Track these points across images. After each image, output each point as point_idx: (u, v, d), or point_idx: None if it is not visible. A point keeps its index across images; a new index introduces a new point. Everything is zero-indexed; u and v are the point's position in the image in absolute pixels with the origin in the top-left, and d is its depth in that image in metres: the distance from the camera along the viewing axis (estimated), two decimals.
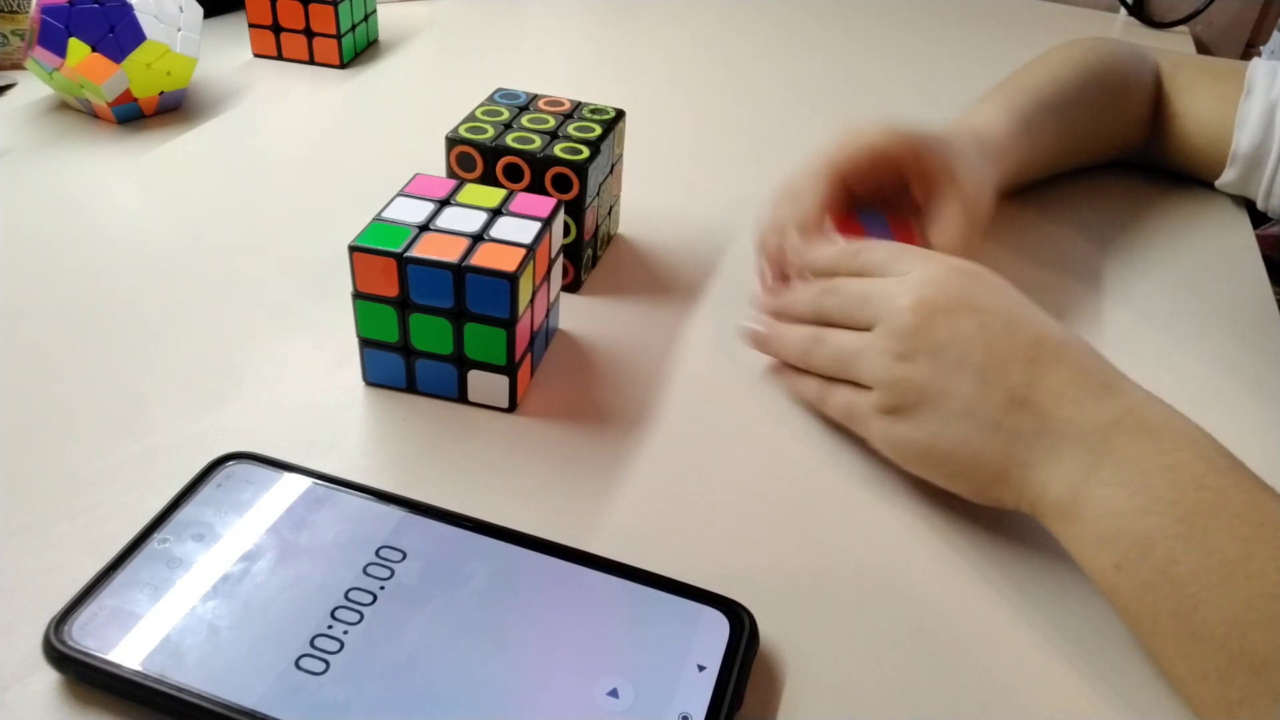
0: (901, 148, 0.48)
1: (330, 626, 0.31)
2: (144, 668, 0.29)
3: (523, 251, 0.40)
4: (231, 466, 0.36)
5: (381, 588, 0.32)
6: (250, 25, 0.74)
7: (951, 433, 0.36)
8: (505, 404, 0.42)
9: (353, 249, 0.39)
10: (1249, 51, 1.00)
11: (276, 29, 0.74)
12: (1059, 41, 0.64)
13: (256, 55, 0.75)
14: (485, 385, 0.42)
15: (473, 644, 0.31)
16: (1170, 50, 0.65)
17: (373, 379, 0.43)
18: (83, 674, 0.29)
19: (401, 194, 0.43)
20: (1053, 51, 0.63)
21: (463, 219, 0.42)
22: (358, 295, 0.41)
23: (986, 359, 0.36)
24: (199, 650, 0.29)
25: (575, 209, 0.48)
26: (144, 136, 0.63)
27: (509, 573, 0.33)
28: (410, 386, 0.43)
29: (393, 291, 0.40)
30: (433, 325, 0.40)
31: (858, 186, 0.48)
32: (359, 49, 0.77)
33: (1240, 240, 0.61)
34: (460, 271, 0.39)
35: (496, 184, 0.48)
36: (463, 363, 0.41)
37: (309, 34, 0.73)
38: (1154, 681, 0.33)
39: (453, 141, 0.48)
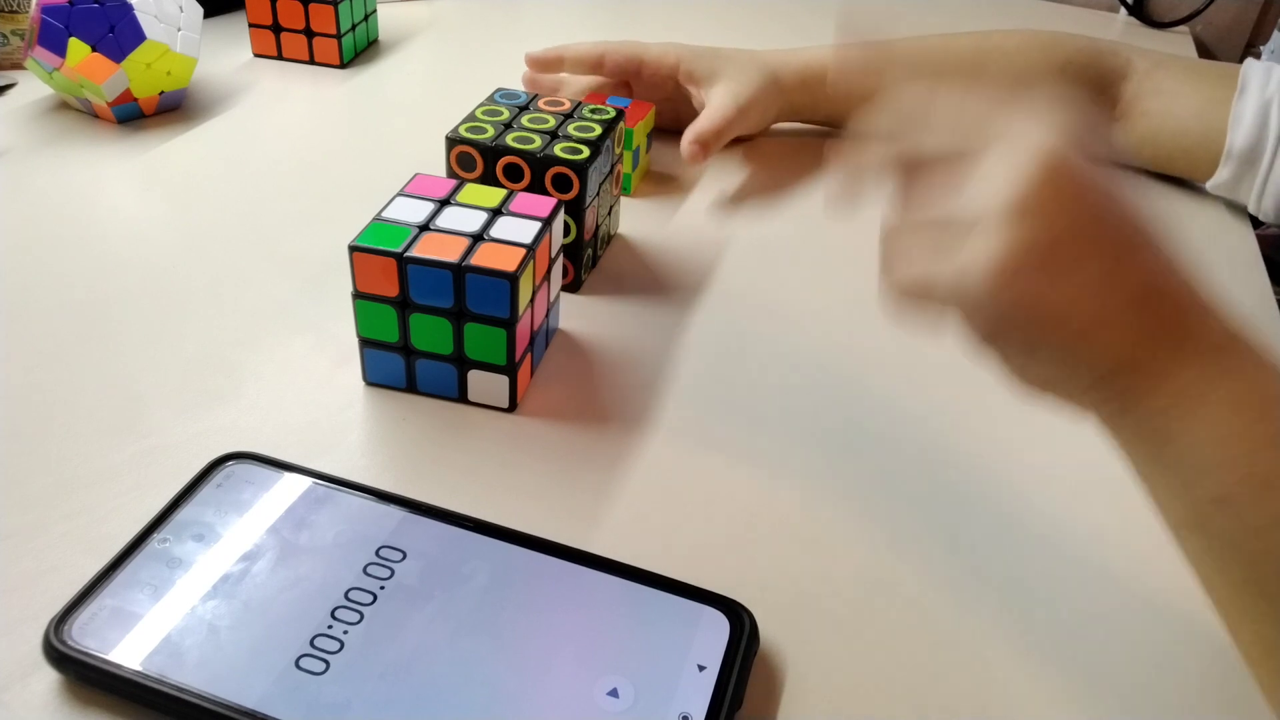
0: (672, 57, 0.63)
1: (330, 626, 0.31)
2: (144, 668, 0.29)
3: (523, 251, 0.40)
4: (231, 466, 0.36)
5: (381, 588, 0.32)
6: (250, 25, 0.74)
7: (1077, 295, 0.29)
8: (505, 404, 0.42)
9: (353, 249, 0.39)
10: (1249, 51, 1.00)
11: (276, 29, 0.74)
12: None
13: (256, 55, 0.75)
14: (485, 385, 0.42)
15: (473, 644, 0.31)
16: (1153, 50, 0.64)
17: (373, 379, 0.43)
18: (83, 674, 0.29)
19: (401, 194, 0.43)
20: (1001, 32, 0.62)
21: (463, 219, 0.41)
22: (358, 295, 0.41)
23: (1122, 236, 0.31)
24: (199, 650, 0.29)
25: (575, 209, 0.48)
26: (144, 136, 0.63)
27: (509, 573, 0.33)
28: (410, 386, 0.43)
29: (393, 291, 0.40)
30: (433, 325, 0.40)
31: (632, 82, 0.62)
32: (359, 49, 0.77)
33: (1240, 240, 0.60)
34: (460, 271, 0.39)
35: (496, 184, 0.48)
36: (463, 362, 0.41)
37: (309, 34, 0.73)
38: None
39: (453, 141, 0.48)
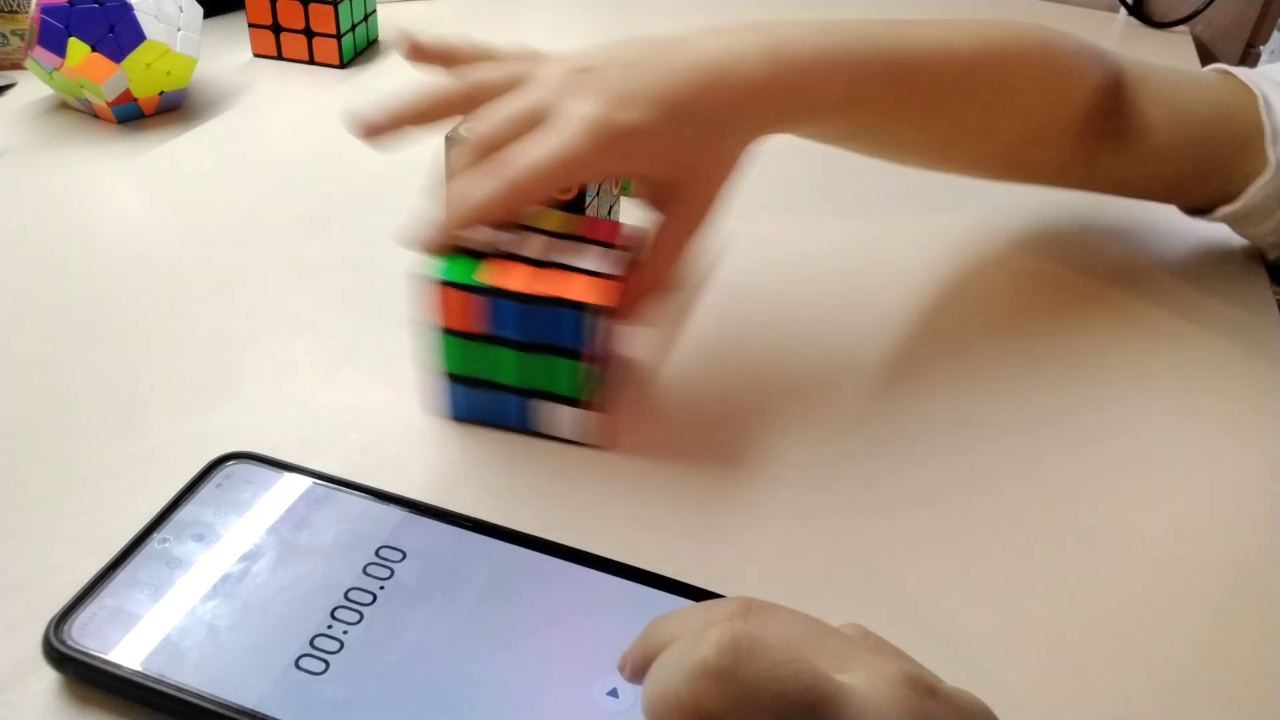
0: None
1: (330, 626, 0.31)
2: (144, 668, 0.29)
3: (607, 282, 0.38)
4: (231, 466, 0.36)
5: (381, 588, 0.32)
6: (250, 25, 0.74)
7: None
8: (586, 437, 0.40)
9: (438, 284, 0.38)
10: (1249, 51, 1.00)
11: (276, 29, 0.74)
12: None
13: (256, 55, 0.75)
14: (563, 418, 0.40)
15: (473, 644, 0.31)
16: (1139, 59, 0.54)
17: (452, 412, 0.41)
18: (82, 674, 0.29)
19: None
20: (961, 21, 0.47)
21: (539, 246, 0.39)
22: (441, 330, 0.39)
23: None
24: (199, 650, 0.29)
25: (575, 209, 0.48)
26: (144, 136, 0.63)
27: (509, 573, 0.33)
28: (491, 420, 0.41)
29: (471, 325, 0.38)
30: (509, 358, 0.39)
31: None
32: (359, 49, 0.77)
33: (1240, 240, 0.61)
34: (540, 304, 0.37)
35: None
36: (540, 395, 0.40)
37: (309, 34, 0.73)
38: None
39: (452, 141, 0.48)
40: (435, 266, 0.38)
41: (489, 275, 0.38)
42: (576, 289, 0.37)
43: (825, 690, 0.21)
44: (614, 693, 0.29)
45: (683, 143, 0.40)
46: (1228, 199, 0.53)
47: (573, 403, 0.40)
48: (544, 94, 0.40)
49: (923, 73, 0.45)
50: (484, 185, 0.38)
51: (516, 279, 0.38)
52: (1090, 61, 0.50)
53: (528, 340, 0.38)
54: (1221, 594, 0.37)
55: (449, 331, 0.39)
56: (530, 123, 0.39)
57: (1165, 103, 0.52)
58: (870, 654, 0.23)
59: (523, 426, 0.41)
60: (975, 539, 0.38)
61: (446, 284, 0.38)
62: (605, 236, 0.41)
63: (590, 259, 0.39)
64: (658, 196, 0.41)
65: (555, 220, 0.42)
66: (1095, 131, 0.51)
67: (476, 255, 0.39)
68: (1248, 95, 0.52)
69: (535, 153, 0.38)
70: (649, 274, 0.41)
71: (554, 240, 0.40)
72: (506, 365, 0.39)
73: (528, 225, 0.41)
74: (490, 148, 0.39)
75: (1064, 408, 0.45)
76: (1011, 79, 0.48)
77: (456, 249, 0.39)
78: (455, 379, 0.40)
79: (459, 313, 0.38)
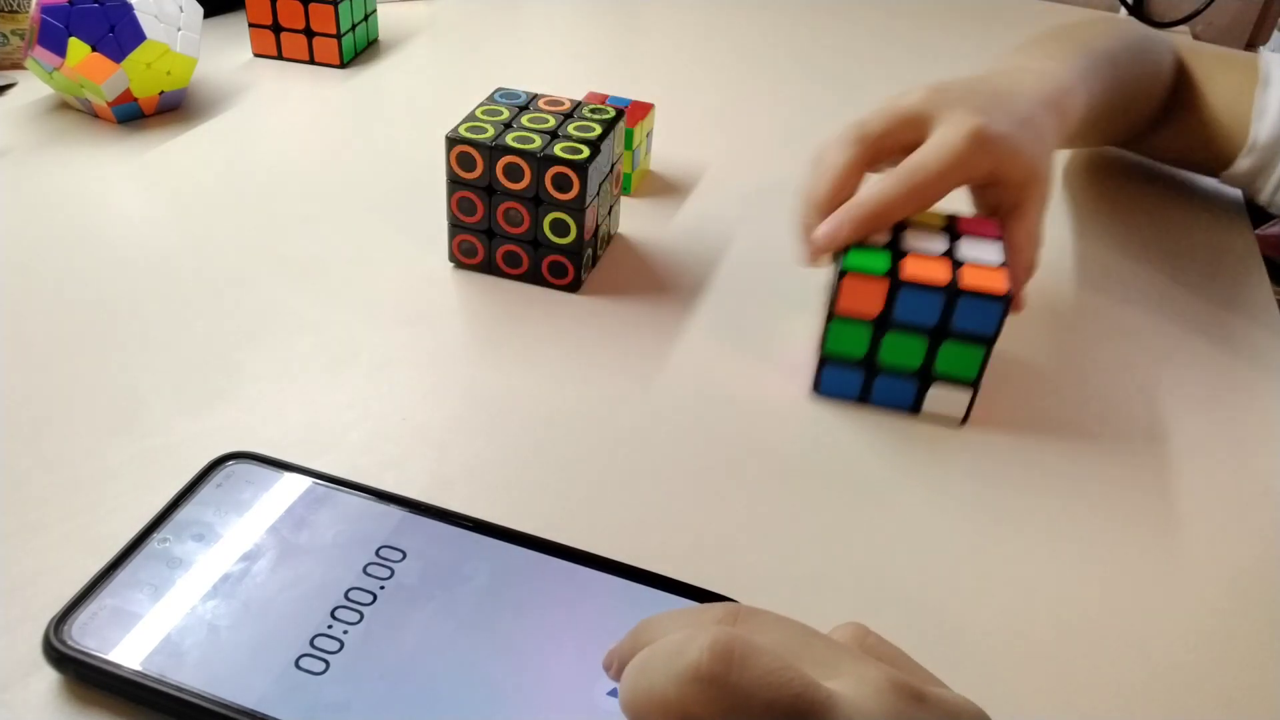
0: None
1: (330, 626, 0.31)
2: (144, 667, 0.29)
3: (1005, 272, 0.41)
4: (231, 466, 0.36)
5: (381, 587, 0.32)
6: (250, 25, 0.74)
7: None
8: (960, 416, 0.43)
9: (844, 272, 0.41)
10: (1249, 51, 1.00)
11: (276, 29, 0.74)
12: None
13: (256, 55, 0.75)
14: (944, 399, 0.43)
15: (473, 644, 0.31)
16: (1182, 37, 0.64)
17: (825, 391, 0.44)
18: (83, 674, 0.29)
19: None
20: (1078, 21, 0.61)
21: (929, 241, 0.43)
22: (835, 315, 0.42)
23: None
24: (199, 650, 0.29)
25: (575, 209, 0.48)
26: (144, 136, 0.63)
27: (509, 573, 0.33)
28: (863, 398, 0.44)
29: (875, 312, 0.41)
30: (907, 343, 0.42)
31: (897, 154, 0.46)
32: (359, 49, 0.77)
33: (1240, 240, 0.61)
34: (953, 293, 0.40)
35: (497, 183, 0.48)
36: (927, 378, 0.43)
37: (309, 34, 0.73)
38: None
39: (453, 141, 0.48)
40: (845, 258, 0.41)
41: (906, 267, 0.41)
42: (991, 280, 0.40)
43: (815, 698, 0.21)
44: (614, 693, 0.29)
45: (1033, 150, 0.46)
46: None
47: (965, 385, 0.42)
48: (920, 102, 0.46)
49: (1124, 79, 0.57)
50: (890, 188, 0.43)
51: (933, 271, 0.40)
52: (1163, 39, 0.62)
53: (938, 327, 0.41)
54: (1222, 594, 0.37)
55: (850, 318, 0.42)
56: (912, 125, 0.45)
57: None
58: (857, 661, 0.23)
59: (909, 407, 0.44)
60: (976, 538, 0.38)
61: (861, 274, 0.40)
62: (987, 232, 0.44)
63: (987, 252, 0.42)
64: (1002, 200, 0.46)
65: (934, 219, 0.45)
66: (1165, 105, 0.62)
67: (879, 248, 0.42)
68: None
69: (927, 155, 0.43)
70: (1023, 263, 0.46)
71: (941, 236, 0.43)
72: (908, 350, 0.42)
73: (911, 223, 0.44)
74: (873, 141, 0.45)
75: (1064, 407, 0.45)
76: (1148, 66, 0.60)
77: (858, 245, 0.42)
78: (846, 363, 0.43)
79: (866, 300, 0.41)
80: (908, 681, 0.23)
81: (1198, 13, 0.96)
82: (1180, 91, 0.62)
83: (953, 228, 0.44)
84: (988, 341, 0.41)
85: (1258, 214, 0.63)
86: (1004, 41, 0.58)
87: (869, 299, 0.41)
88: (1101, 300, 0.54)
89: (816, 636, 0.24)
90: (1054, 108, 0.49)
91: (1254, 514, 0.41)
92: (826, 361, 0.43)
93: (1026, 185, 0.45)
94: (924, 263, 0.41)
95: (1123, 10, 1.00)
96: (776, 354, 0.47)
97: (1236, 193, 0.65)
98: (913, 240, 0.43)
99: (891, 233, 0.43)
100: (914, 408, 0.44)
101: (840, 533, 0.38)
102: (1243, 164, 0.60)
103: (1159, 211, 0.61)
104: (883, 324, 0.42)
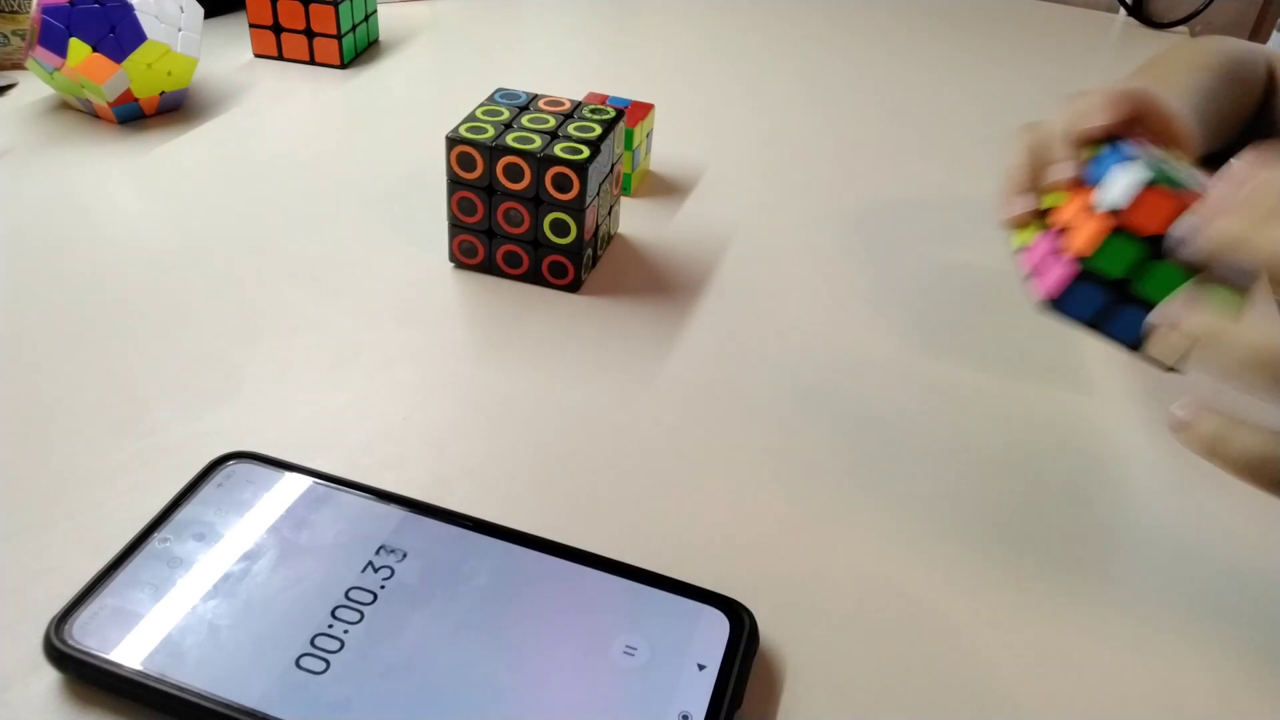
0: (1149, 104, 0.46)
1: (331, 626, 0.31)
2: (145, 667, 0.29)
3: None
4: (232, 466, 0.36)
5: (382, 587, 0.32)
6: (251, 25, 0.74)
7: None
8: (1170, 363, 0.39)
9: (1152, 182, 0.37)
10: None
11: (277, 29, 0.74)
12: (1058, 41, 0.64)
13: (257, 55, 0.75)
14: (1169, 344, 0.38)
15: (473, 643, 0.31)
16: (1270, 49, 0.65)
17: (1064, 305, 0.40)
18: (83, 673, 0.29)
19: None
20: (1184, 44, 0.62)
21: (1187, 174, 0.40)
22: (1120, 228, 0.38)
23: None
24: (199, 650, 0.30)
25: (575, 209, 0.48)
26: (145, 136, 0.63)
27: (509, 572, 0.33)
28: (1094, 323, 0.40)
29: (1161, 230, 0.37)
30: (1170, 274, 0.38)
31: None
32: (359, 49, 0.77)
33: None
34: None
35: (497, 183, 0.48)
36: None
37: (309, 34, 0.73)
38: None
39: (453, 141, 0.48)
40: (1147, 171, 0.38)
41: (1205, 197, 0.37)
42: None
43: None
44: (614, 693, 0.29)
45: None
46: None
47: None
48: None
49: (1243, 96, 0.60)
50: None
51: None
52: (1260, 54, 0.64)
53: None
54: (1223, 595, 0.37)
55: (1131, 234, 0.38)
56: None
57: None
58: None
59: (1130, 343, 0.40)
60: (976, 539, 0.38)
61: (1164, 189, 0.37)
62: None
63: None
64: None
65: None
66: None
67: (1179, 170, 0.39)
68: None
69: None
70: None
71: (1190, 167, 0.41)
72: (1167, 281, 0.38)
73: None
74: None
75: (1064, 407, 0.45)
76: (1246, 82, 0.62)
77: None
78: (1100, 282, 0.39)
79: (1157, 217, 0.37)
80: None
81: (1197, 13, 0.96)
82: (1273, 99, 0.62)
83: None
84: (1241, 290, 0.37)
85: None
86: (1003, 42, 0.58)
87: (1160, 216, 0.37)
88: None
89: None
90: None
91: (1254, 513, 0.40)
92: (1083, 276, 0.39)
93: None
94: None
95: (1122, 11, 1.00)
96: (776, 354, 0.47)
97: None
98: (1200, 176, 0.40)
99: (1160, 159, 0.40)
100: (1135, 344, 0.39)
101: (841, 532, 0.38)
102: None
103: None
104: (1155, 248, 0.38)
